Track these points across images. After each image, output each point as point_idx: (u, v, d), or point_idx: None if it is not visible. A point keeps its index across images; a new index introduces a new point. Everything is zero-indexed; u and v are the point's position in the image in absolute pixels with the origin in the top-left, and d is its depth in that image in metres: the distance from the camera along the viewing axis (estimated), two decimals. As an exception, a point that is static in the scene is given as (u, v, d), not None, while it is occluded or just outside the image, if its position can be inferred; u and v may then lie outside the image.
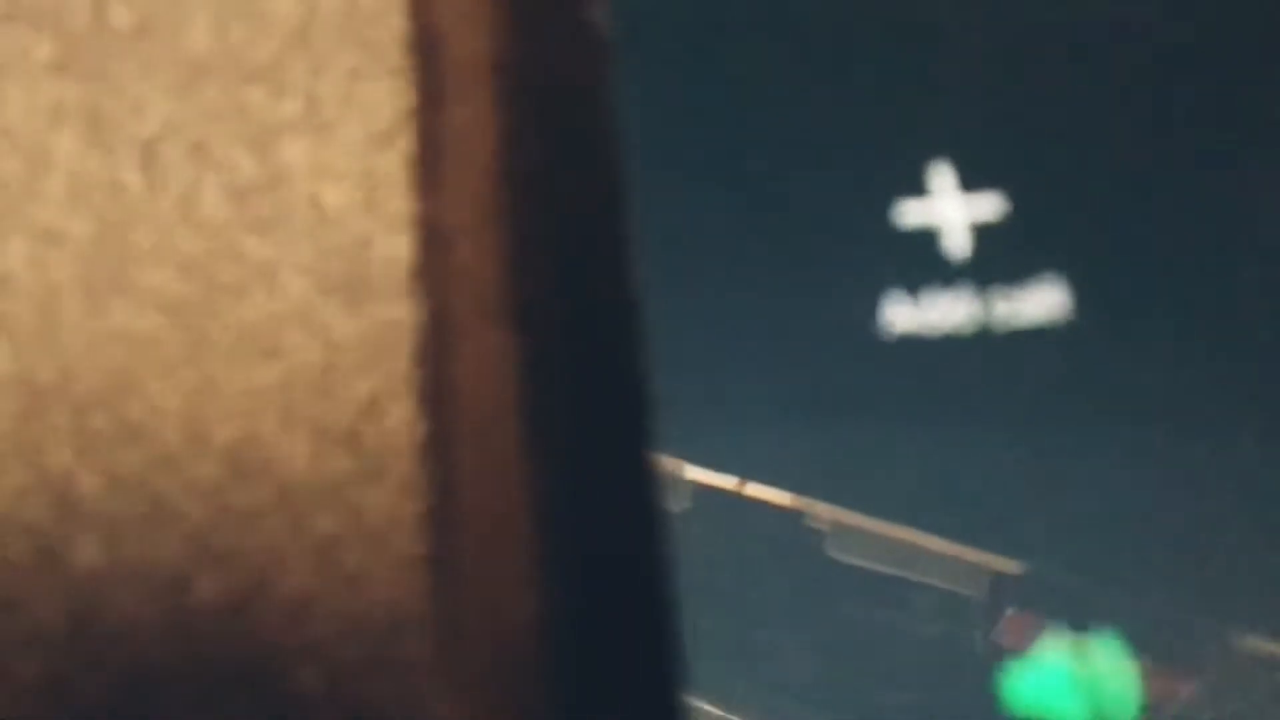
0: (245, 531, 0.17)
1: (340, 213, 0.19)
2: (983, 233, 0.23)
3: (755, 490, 0.48)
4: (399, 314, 0.18)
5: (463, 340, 0.17)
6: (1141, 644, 0.40)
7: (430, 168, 0.18)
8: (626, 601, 0.16)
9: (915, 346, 0.24)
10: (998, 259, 0.23)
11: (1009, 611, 0.45)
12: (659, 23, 0.23)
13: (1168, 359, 0.27)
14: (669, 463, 0.45)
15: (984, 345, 0.24)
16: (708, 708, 0.53)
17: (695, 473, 0.49)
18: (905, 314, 0.24)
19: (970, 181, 0.23)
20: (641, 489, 0.16)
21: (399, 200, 0.19)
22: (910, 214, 0.23)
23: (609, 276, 0.17)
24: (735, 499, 0.50)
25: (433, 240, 0.17)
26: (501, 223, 0.17)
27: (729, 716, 0.53)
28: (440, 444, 0.16)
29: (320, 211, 0.19)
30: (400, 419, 0.17)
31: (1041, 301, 0.24)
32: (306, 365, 0.18)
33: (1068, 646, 0.33)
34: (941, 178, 0.23)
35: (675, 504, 0.50)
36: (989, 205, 0.24)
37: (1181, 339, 0.27)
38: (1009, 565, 0.44)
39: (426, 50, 0.18)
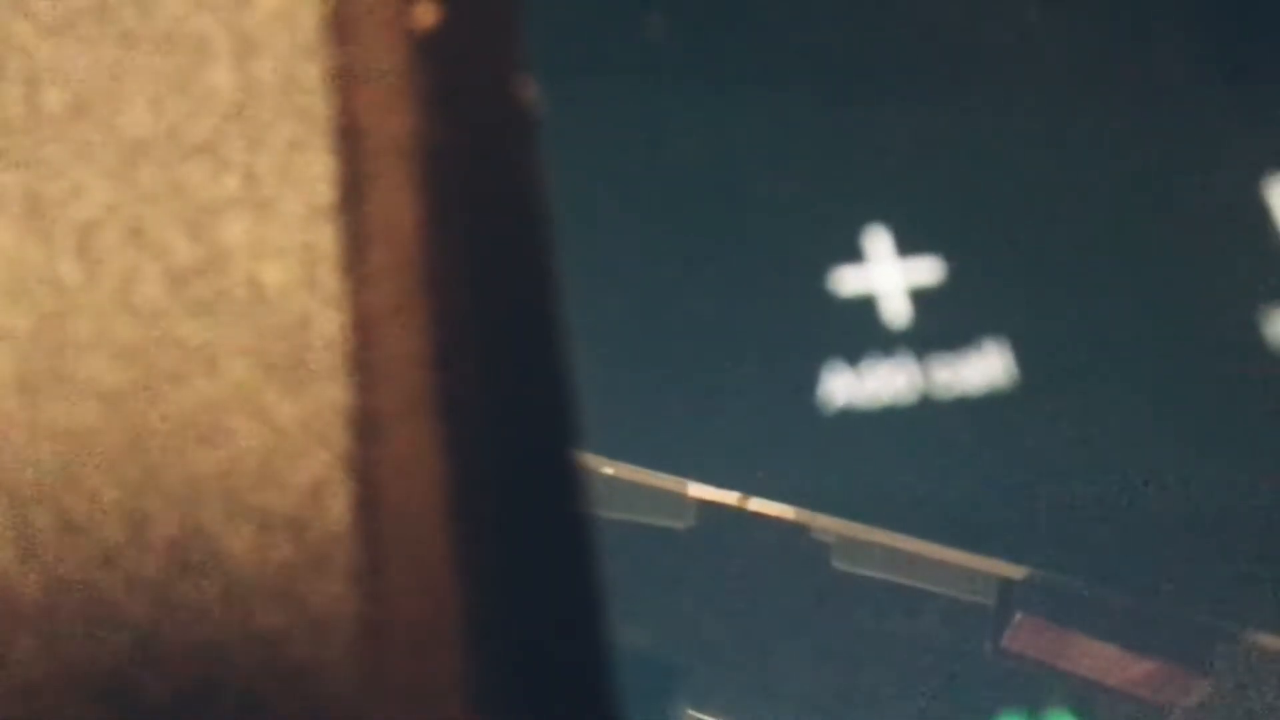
0: (190, 629, 0.17)
1: (280, 292, 0.19)
2: (921, 298, 0.23)
3: (759, 505, 0.48)
4: (339, 395, 0.18)
5: (389, 431, 0.16)
6: (1151, 645, 0.39)
7: (356, 253, 0.17)
8: (563, 689, 0.15)
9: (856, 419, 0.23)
10: (938, 325, 0.22)
11: (1018, 616, 0.44)
12: (586, 92, 0.22)
13: (1119, 421, 0.27)
14: (671, 481, 0.45)
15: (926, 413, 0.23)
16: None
17: (698, 490, 0.49)
18: (844, 384, 0.23)
19: (907, 247, 0.23)
20: (576, 573, 0.16)
21: (338, 276, 0.18)
22: (847, 281, 0.23)
23: (539, 355, 0.16)
24: (739, 514, 0.49)
25: (360, 326, 0.17)
26: (425, 309, 0.16)
27: (743, 733, 0.52)
28: (372, 538, 0.16)
29: (259, 291, 0.19)
30: (341, 506, 0.17)
31: (985, 368, 0.23)
32: (248, 451, 0.18)
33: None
34: (877, 243, 0.23)
35: (680, 522, 0.50)
36: (927, 270, 0.23)
37: (1134, 399, 0.26)
38: (1016, 571, 0.44)
39: (348, 136, 0.18)
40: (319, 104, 0.19)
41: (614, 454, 0.38)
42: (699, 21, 0.24)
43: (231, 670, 0.17)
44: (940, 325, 0.22)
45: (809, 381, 0.23)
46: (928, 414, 0.24)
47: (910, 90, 0.25)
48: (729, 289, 0.23)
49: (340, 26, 0.19)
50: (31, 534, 0.18)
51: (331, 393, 0.18)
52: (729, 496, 0.49)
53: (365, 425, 0.17)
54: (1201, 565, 0.38)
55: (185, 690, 0.17)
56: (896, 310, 0.22)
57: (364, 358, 0.17)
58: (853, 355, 0.22)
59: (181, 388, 0.18)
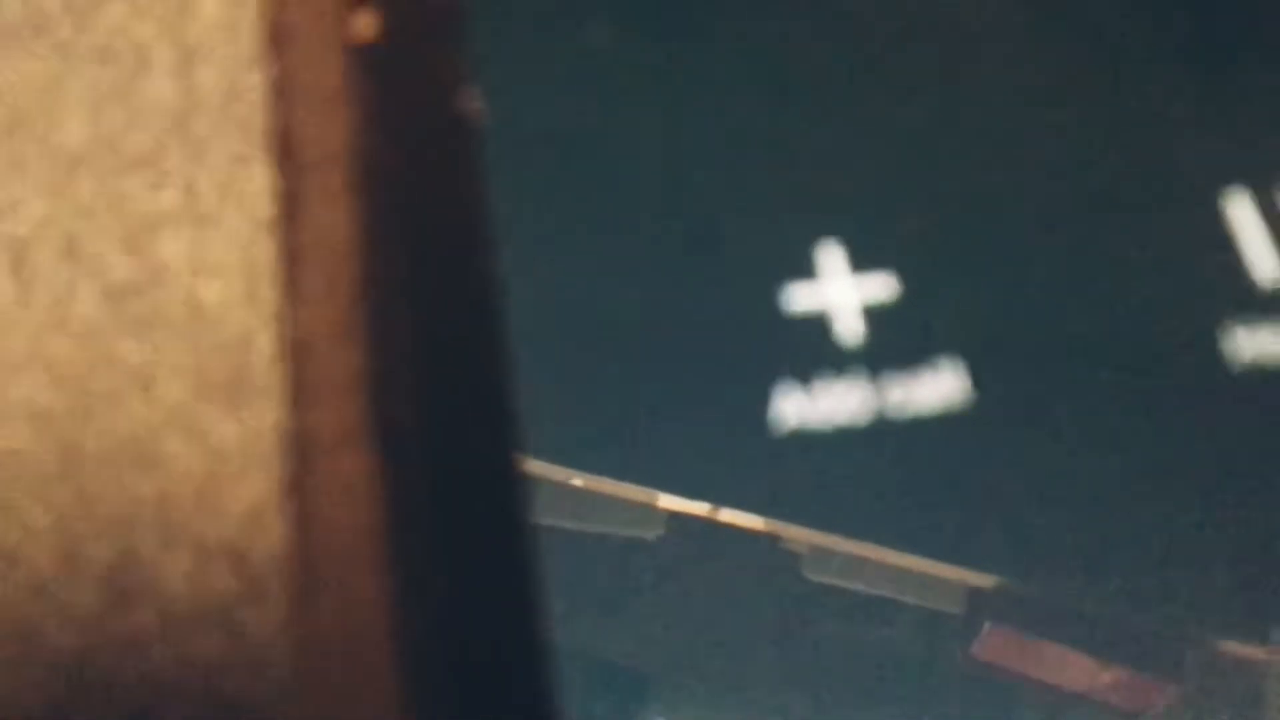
0: (125, 660, 0.17)
1: (220, 309, 0.18)
2: (875, 316, 0.22)
3: (729, 516, 0.48)
4: (280, 415, 0.17)
5: (326, 455, 0.16)
6: (1119, 652, 0.39)
7: (292, 270, 0.17)
8: (504, 713, 0.15)
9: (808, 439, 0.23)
10: (892, 343, 0.22)
11: (987, 626, 0.44)
12: (533, 104, 0.22)
13: (1079, 441, 0.26)
14: (640, 492, 0.45)
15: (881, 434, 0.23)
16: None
17: (668, 501, 0.48)
18: (797, 404, 0.23)
19: (861, 262, 0.22)
20: (518, 597, 0.15)
21: (279, 294, 0.18)
22: (800, 298, 0.22)
23: (480, 374, 0.16)
24: (709, 525, 0.49)
25: (296, 347, 0.16)
26: (363, 328, 0.16)
27: (712, 743, 0.52)
28: (308, 564, 0.16)
29: (199, 309, 0.18)
30: (280, 532, 0.17)
31: (940, 387, 0.23)
32: (186, 475, 0.17)
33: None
34: (831, 259, 0.22)
35: (650, 533, 0.49)
36: (881, 286, 0.23)
37: (1093, 417, 0.26)
38: (986, 580, 0.44)
39: (285, 150, 0.17)
40: (261, 116, 0.19)
41: (584, 466, 0.37)
42: (647, 33, 0.24)
43: (168, 702, 0.16)
44: (895, 343, 0.22)
45: (762, 400, 0.22)
46: (887, 429, 0.23)
47: (865, 104, 0.24)
48: (683, 304, 0.22)
49: (279, 37, 0.18)
50: (-40, 562, 0.17)
51: (272, 413, 0.17)
52: (699, 508, 0.48)
53: (302, 449, 0.16)
54: (1168, 573, 0.37)
55: (119, 724, 0.16)
56: (850, 327, 0.22)
57: (301, 379, 0.16)
58: (806, 374, 0.22)
59: (117, 409, 0.18)
